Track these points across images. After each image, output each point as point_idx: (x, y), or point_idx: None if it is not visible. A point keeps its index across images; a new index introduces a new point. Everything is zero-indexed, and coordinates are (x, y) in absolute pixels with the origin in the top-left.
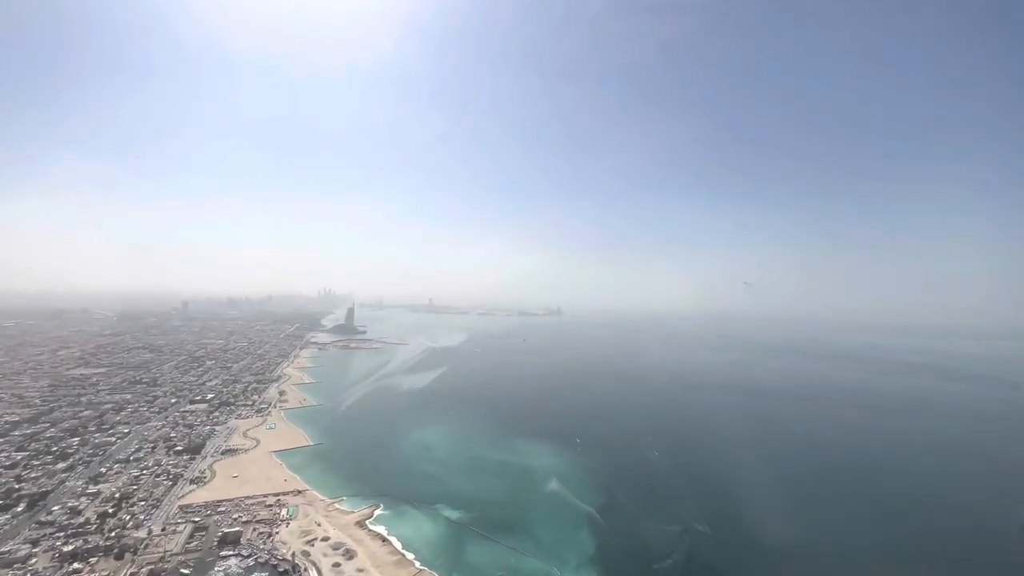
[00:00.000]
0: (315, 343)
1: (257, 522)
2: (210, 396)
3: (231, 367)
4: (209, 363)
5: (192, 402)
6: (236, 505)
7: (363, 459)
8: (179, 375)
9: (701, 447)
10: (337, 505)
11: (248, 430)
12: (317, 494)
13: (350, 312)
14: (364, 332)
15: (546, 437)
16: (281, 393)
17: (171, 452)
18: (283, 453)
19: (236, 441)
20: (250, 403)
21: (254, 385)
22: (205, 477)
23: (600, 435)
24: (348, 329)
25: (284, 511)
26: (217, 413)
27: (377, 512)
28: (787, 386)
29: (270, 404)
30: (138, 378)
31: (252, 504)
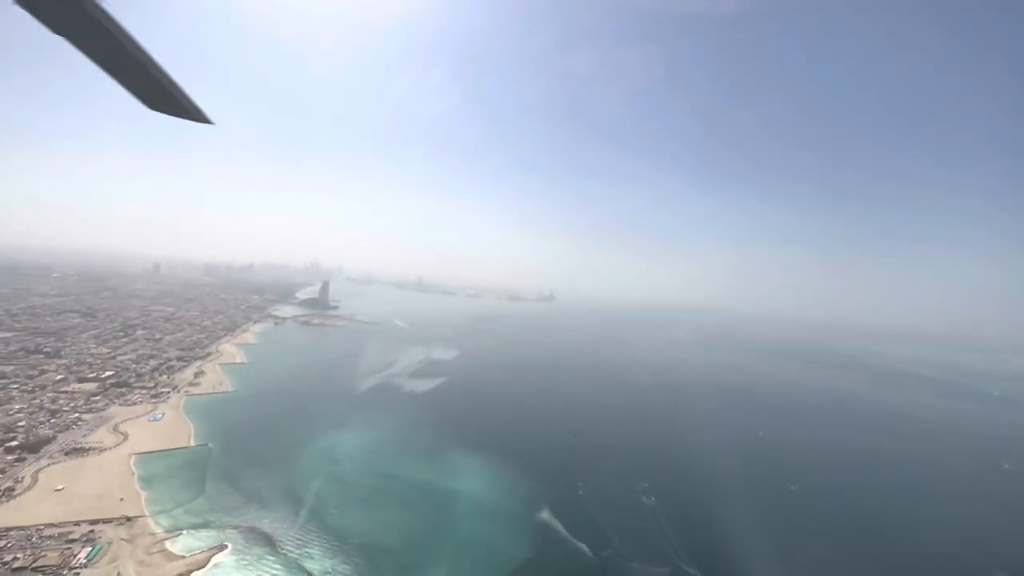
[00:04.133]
0: (276, 316)
1: (35, 570)
2: (108, 374)
3: (161, 339)
4: (140, 333)
5: (82, 380)
6: (27, 537)
7: (245, 472)
8: (94, 345)
9: (679, 469)
10: (169, 543)
11: (123, 421)
12: (151, 523)
13: (324, 285)
14: (335, 308)
15: (491, 452)
16: (197, 374)
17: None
18: (147, 457)
19: (98, 437)
20: (151, 385)
21: (173, 362)
22: (16, 489)
23: (559, 453)
24: (319, 303)
25: (85, 552)
26: (100, 397)
27: (218, 557)
28: (778, 396)
29: (175, 388)
30: (41, 346)
31: (48, 537)
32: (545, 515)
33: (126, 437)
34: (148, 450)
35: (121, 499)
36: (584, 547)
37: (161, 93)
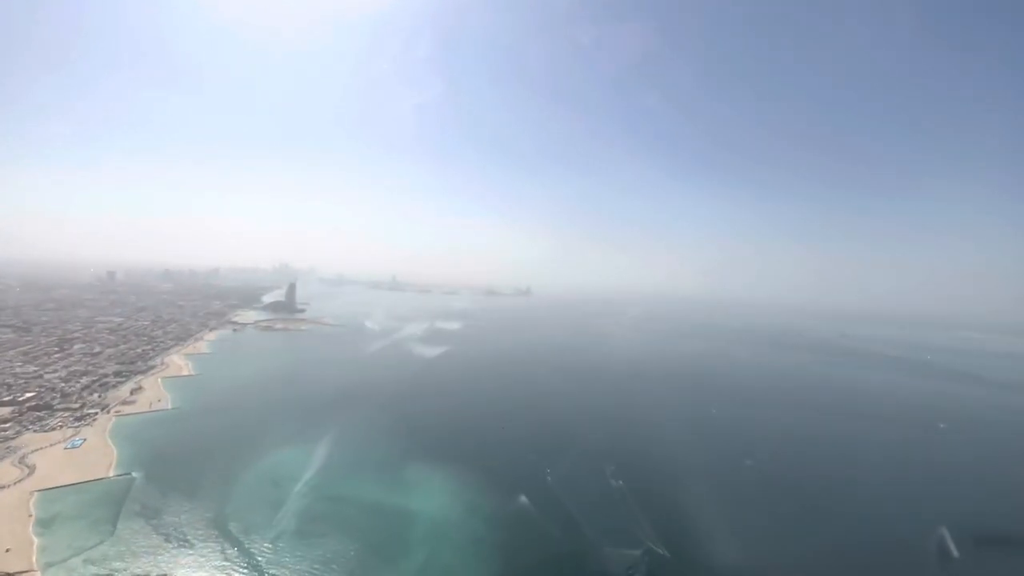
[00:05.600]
0: (235, 323)
1: None
2: (26, 395)
3: (100, 353)
4: (77, 347)
5: None
6: None
7: (169, 505)
8: (20, 364)
9: (645, 451)
10: None
11: (34, 451)
12: None
13: (291, 288)
14: (303, 311)
15: (451, 459)
16: (134, 391)
17: None
18: (52, 495)
19: None
20: (77, 406)
21: (109, 379)
22: None
23: (530, 460)
24: (285, 307)
25: None
26: (12, 424)
27: None
28: (754, 381)
29: (105, 408)
30: None
31: None
32: (514, 505)
33: (32, 471)
34: (56, 485)
35: (8, 550)
36: (554, 533)
37: None
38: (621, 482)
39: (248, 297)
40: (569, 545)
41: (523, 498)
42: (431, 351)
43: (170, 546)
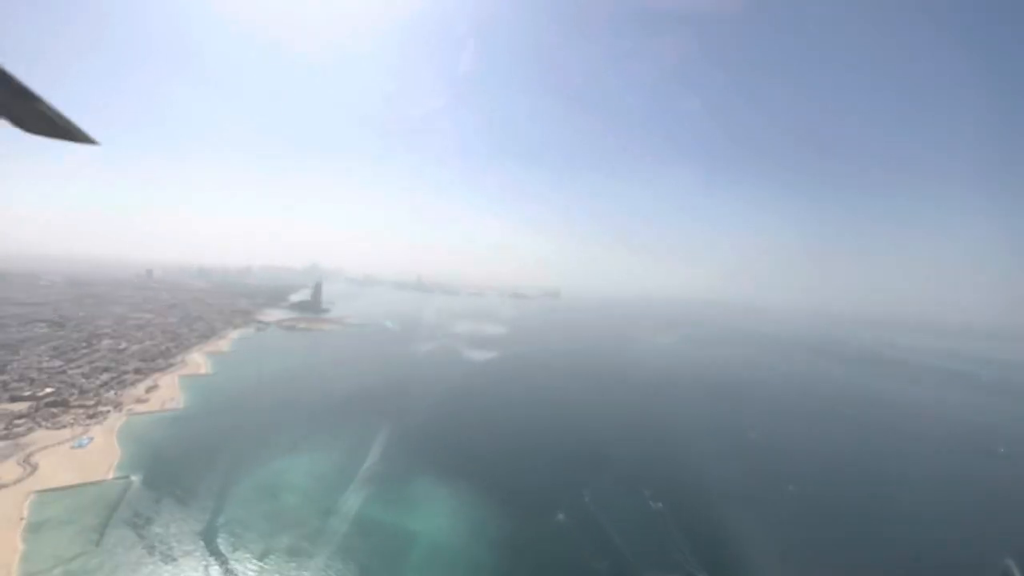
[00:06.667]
0: (259, 321)
1: None
2: (47, 391)
3: (125, 349)
4: (105, 343)
5: (14, 399)
6: None
7: (162, 513)
8: (47, 358)
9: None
10: None
11: (41, 450)
12: None
13: (317, 287)
14: (327, 311)
15: (465, 476)
16: (150, 389)
17: None
18: (48, 496)
19: (1, 470)
20: (92, 403)
21: (129, 375)
22: None
23: (565, 478)
24: (310, 306)
25: None
26: (26, 420)
27: None
28: (795, 394)
29: (118, 406)
30: None
31: None
32: (552, 525)
33: (34, 470)
34: (55, 486)
35: None
36: (594, 555)
37: (39, 117)
38: (660, 504)
39: (276, 296)
40: (610, 568)
41: (561, 516)
42: (459, 356)
43: (152, 560)
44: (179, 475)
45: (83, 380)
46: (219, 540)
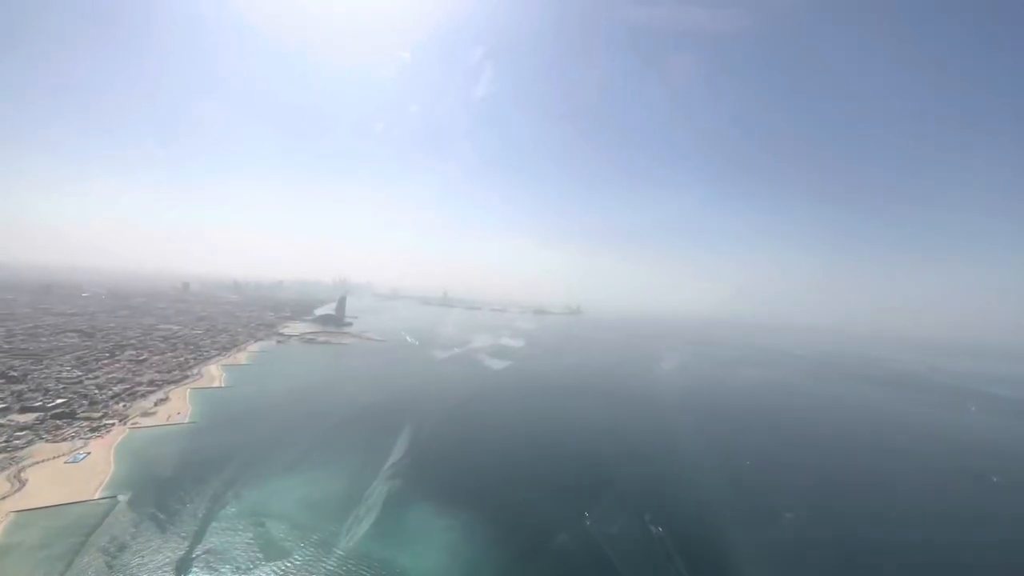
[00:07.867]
0: (281, 334)
1: None
2: (57, 401)
3: (145, 360)
4: (128, 354)
5: (25, 409)
6: None
7: (140, 540)
8: (69, 368)
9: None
10: None
11: (35, 464)
12: None
13: (341, 301)
14: (350, 325)
15: (469, 508)
16: (159, 402)
17: None
18: (27, 517)
19: None
20: (98, 415)
21: (142, 387)
22: None
23: (568, 498)
24: (334, 320)
25: None
26: (29, 431)
27: None
28: (822, 419)
29: (123, 418)
30: (11, 369)
31: None
32: (554, 545)
33: (22, 486)
34: (37, 506)
35: None
36: None
37: None
38: (660, 529)
39: (302, 309)
40: None
41: (564, 536)
42: (475, 371)
43: None
44: (167, 496)
45: (96, 391)
46: (192, 573)
